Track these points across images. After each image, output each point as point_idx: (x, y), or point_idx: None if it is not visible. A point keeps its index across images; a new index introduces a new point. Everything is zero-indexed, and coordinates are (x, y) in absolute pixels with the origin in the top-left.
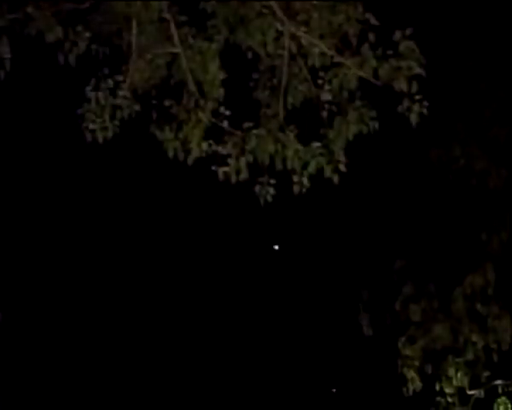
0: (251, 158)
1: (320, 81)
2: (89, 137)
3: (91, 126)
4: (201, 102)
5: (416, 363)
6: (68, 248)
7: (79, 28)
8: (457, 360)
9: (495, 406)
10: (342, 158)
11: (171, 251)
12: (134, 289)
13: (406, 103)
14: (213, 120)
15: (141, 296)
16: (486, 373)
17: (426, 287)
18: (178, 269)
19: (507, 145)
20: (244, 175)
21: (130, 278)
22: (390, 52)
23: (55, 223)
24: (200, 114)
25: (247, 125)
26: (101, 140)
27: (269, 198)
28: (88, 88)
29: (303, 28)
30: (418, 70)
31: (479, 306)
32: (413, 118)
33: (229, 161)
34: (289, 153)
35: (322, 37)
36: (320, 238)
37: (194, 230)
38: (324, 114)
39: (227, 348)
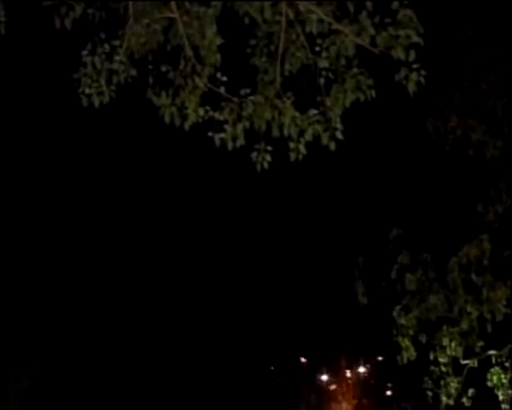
0: (248, 124)
1: (317, 48)
2: (85, 101)
3: (87, 91)
4: (198, 67)
5: (411, 332)
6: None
7: None
8: (452, 329)
9: (488, 376)
10: (339, 126)
11: (166, 215)
12: (130, 255)
13: (404, 72)
14: (210, 85)
15: (135, 260)
16: (480, 343)
17: (421, 257)
18: (175, 233)
19: (504, 116)
20: (241, 142)
21: (128, 241)
22: (388, 20)
23: (49, 188)
24: (197, 80)
25: (243, 91)
26: (97, 105)
27: (265, 165)
28: (84, 52)
29: None
30: (416, 39)
31: (474, 276)
32: (410, 87)
33: (226, 127)
34: (286, 120)
35: (319, 3)
36: (316, 205)
37: (190, 195)
38: (321, 81)
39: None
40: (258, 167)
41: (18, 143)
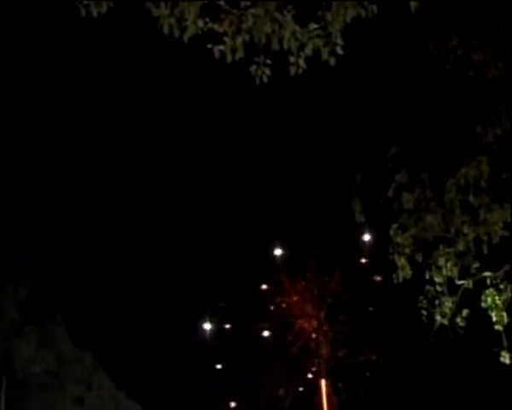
0: (247, 37)
1: None
2: (83, 11)
3: (86, 1)
4: None
5: (407, 251)
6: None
7: None
8: (448, 250)
9: (483, 297)
10: (339, 41)
11: (165, 131)
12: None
13: None
14: None
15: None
16: (476, 265)
17: (419, 176)
18: (175, 149)
19: (506, 37)
20: (240, 54)
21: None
22: None
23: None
24: None
25: (244, 3)
26: (95, 15)
27: (264, 79)
28: None
29: None
30: None
31: (471, 198)
32: (412, 4)
33: (226, 39)
34: (286, 33)
35: None
36: (316, 121)
37: (188, 107)
38: None
39: None
40: (258, 81)
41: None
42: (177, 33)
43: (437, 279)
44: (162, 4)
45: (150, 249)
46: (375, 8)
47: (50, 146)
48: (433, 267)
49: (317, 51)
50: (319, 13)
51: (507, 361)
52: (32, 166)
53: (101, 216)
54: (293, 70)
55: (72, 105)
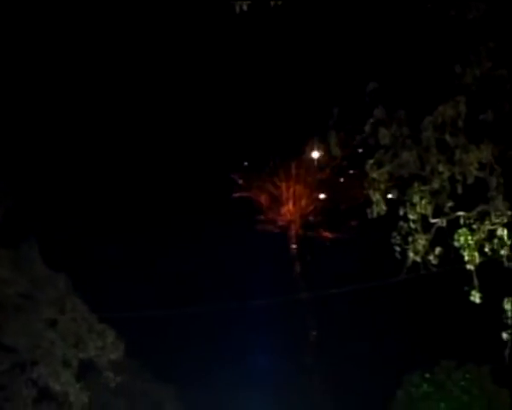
0: None
1: None
2: None
3: None
4: None
5: (382, 187)
6: None
7: None
8: (423, 187)
9: (456, 236)
10: None
11: None
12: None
13: None
14: None
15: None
16: (450, 204)
17: (397, 112)
18: None
19: None
20: None
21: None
22: None
23: None
24: None
25: None
26: None
27: (244, 8)
28: None
29: None
30: None
31: (448, 137)
32: None
33: None
34: None
35: None
36: (295, 51)
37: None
38: None
39: None
40: (237, 9)
41: None
42: None
43: (411, 216)
44: None
45: (122, 171)
46: None
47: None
48: (408, 204)
49: None
50: None
51: (477, 301)
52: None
53: (77, 138)
54: (272, 2)
55: None
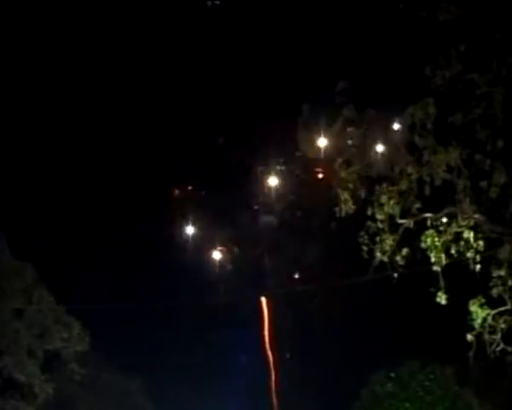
0: None
1: None
2: None
3: None
4: None
5: (351, 186)
6: None
7: None
8: (391, 188)
9: (423, 237)
10: None
11: None
12: None
13: None
14: None
15: None
16: (417, 205)
17: (366, 112)
18: None
19: None
20: None
21: None
22: None
23: None
24: None
25: None
26: None
27: (217, 1)
28: None
29: None
30: None
31: (416, 138)
32: None
33: None
34: None
35: None
36: (266, 47)
37: None
38: None
39: None
40: (209, 3)
41: None
42: None
43: (378, 216)
44: None
45: (87, 163)
46: None
47: None
48: (376, 204)
49: None
50: None
51: (443, 302)
52: None
53: (43, 128)
54: None
55: None
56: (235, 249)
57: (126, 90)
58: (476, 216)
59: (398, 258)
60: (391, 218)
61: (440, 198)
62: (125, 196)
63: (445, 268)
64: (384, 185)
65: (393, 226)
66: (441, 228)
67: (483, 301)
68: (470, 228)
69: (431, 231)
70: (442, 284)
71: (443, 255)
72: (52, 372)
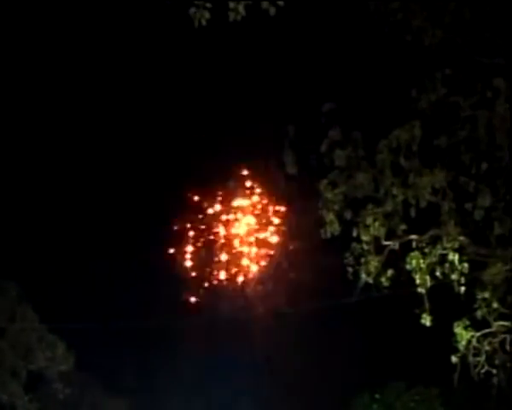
0: None
1: None
2: None
3: None
4: None
5: (336, 207)
6: None
7: None
8: (376, 209)
9: (408, 259)
10: None
11: None
12: None
13: None
14: None
15: None
16: (403, 226)
17: (352, 134)
18: None
19: (445, 6)
20: None
21: None
22: None
23: None
24: None
25: None
26: None
27: (203, 22)
28: None
29: None
30: None
31: (402, 160)
32: None
33: None
34: None
35: None
36: (250, 68)
37: None
38: None
39: None
40: (196, 23)
41: None
42: None
43: (364, 238)
44: None
45: (75, 180)
46: None
47: None
48: (361, 225)
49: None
50: None
51: (427, 324)
52: None
53: (33, 146)
54: (232, 16)
55: None
56: None
57: (123, 102)
58: (461, 238)
59: (383, 279)
60: (376, 239)
61: (425, 220)
62: (110, 212)
63: (429, 290)
64: (369, 207)
65: (379, 248)
66: (426, 250)
67: (467, 323)
68: (455, 250)
69: (416, 253)
70: (427, 305)
71: (428, 277)
72: (36, 392)
